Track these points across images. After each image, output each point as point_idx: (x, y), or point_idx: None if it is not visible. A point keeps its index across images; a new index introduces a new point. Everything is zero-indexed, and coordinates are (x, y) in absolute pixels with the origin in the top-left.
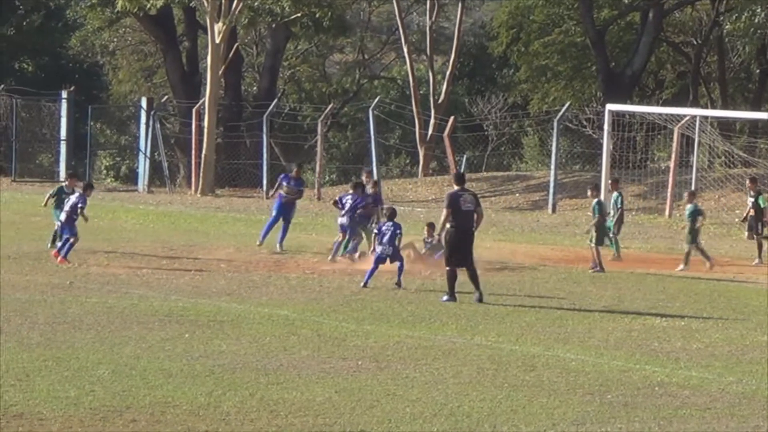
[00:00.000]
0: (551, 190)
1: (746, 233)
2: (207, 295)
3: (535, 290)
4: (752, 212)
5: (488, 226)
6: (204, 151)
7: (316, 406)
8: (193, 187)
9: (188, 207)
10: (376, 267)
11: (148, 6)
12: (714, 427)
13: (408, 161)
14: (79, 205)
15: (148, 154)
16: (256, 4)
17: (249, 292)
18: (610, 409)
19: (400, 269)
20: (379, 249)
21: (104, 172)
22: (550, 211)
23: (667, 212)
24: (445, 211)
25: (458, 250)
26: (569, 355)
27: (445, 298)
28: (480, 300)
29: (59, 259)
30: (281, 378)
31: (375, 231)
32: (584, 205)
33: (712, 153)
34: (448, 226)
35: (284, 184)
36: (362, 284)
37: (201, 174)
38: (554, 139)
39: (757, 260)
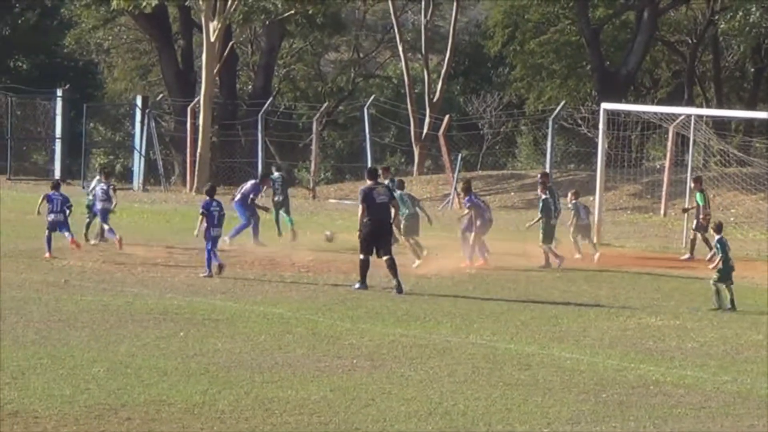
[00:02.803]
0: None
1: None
2: (202, 294)
3: (530, 289)
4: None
5: None
6: (199, 150)
7: (311, 405)
8: (188, 186)
9: (183, 205)
10: None
11: (143, 4)
12: (709, 426)
13: (403, 160)
14: (67, 205)
15: (143, 152)
16: (250, 1)
17: (244, 290)
18: (605, 408)
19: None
20: None
21: (98, 170)
22: None
23: (662, 211)
24: (360, 207)
25: (376, 241)
26: (564, 354)
27: (357, 285)
28: (399, 291)
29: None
30: (276, 376)
31: None
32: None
33: (707, 152)
34: (365, 219)
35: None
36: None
37: (196, 172)
38: (549, 137)
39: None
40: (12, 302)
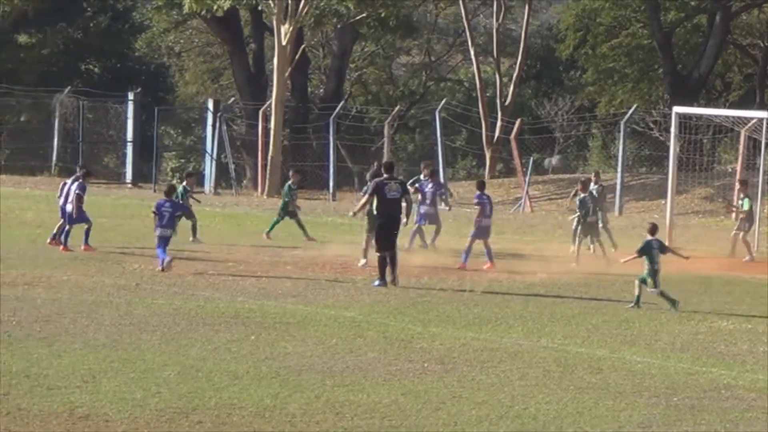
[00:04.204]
0: (618, 193)
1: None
2: (273, 297)
3: (601, 292)
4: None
5: (555, 228)
6: (270, 153)
7: (383, 408)
8: (259, 189)
9: (254, 209)
10: None
11: (215, 7)
12: None
13: (474, 163)
14: (77, 192)
15: (214, 155)
16: (321, 4)
17: (315, 293)
18: (676, 412)
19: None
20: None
21: (170, 173)
22: (616, 213)
23: (734, 215)
24: (365, 197)
25: (387, 237)
26: (635, 358)
27: (376, 283)
28: (395, 282)
29: (83, 247)
30: (347, 380)
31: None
32: (651, 207)
33: None
34: (375, 213)
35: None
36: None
37: (267, 176)
38: (621, 141)
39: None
40: (83, 305)
